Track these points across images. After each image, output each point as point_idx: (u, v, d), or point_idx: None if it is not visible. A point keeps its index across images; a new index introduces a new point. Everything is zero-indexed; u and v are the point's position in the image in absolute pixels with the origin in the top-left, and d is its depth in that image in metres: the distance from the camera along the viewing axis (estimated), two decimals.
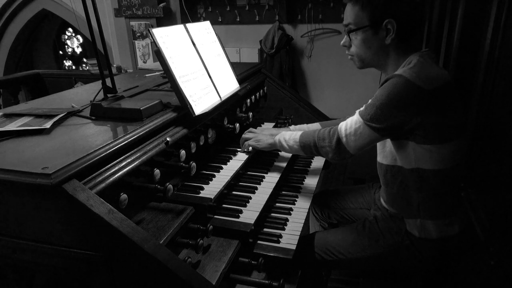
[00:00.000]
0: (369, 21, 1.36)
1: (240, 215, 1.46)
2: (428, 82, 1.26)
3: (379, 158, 1.52)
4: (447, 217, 1.42)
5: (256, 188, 1.65)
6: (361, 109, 1.40)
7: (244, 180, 1.74)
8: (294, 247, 1.41)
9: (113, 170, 1.15)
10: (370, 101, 1.37)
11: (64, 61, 7.18)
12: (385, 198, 1.54)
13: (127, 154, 1.22)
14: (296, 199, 1.75)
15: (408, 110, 1.28)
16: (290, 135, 1.65)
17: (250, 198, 1.58)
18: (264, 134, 1.79)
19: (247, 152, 1.82)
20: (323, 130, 1.51)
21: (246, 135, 1.85)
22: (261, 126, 2.19)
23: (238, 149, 1.86)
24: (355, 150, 1.41)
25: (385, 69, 1.46)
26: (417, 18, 1.36)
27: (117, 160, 1.18)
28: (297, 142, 1.61)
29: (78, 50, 7.09)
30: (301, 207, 1.69)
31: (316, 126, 1.93)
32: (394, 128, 1.32)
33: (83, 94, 1.85)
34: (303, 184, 1.89)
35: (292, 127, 1.96)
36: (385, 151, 1.48)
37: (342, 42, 1.49)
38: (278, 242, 1.44)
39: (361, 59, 1.46)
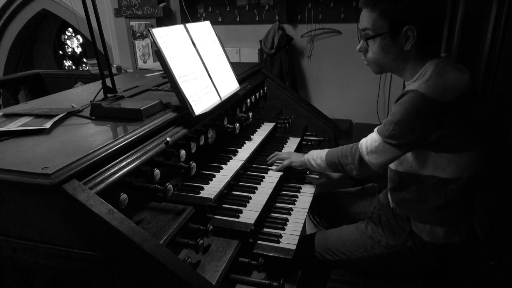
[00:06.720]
0: (388, 28, 1.31)
1: (240, 215, 1.46)
2: (445, 94, 1.23)
3: (393, 165, 1.49)
4: (456, 224, 1.41)
5: (256, 188, 1.65)
6: (380, 126, 1.37)
7: (244, 180, 1.74)
8: (294, 247, 1.41)
9: (113, 170, 1.14)
10: (388, 117, 1.34)
11: (64, 61, 7.17)
12: (396, 202, 1.52)
13: (127, 154, 1.22)
14: (296, 199, 1.75)
15: (427, 125, 1.25)
16: (318, 154, 1.66)
17: (250, 198, 1.58)
18: (296, 154, 1.85)
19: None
20: (346, 147, 1.51)
21: (281, 155, 1.87)
22: (261, 126, 2.19)
23: (238, 149, 1.86)
24: (378, 167, 1.40)
25: (403, 74, 1.42)
26: (438, 23, 1.33)
27: (117, 160, 1.18)
28: (323, 160, 1.61)
29: (78, 50, 7.09)
30: (301, 207, 1.69)
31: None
32: (414, 143, 1.30)
33: (83, 94, 1.84)
34: (303, 184, 1.89)
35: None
36: (400, 158, 1.44)
37: (358, 47, 1.44)
38: (278, 242, 1.44)
39: (379, 65, 1.42)
